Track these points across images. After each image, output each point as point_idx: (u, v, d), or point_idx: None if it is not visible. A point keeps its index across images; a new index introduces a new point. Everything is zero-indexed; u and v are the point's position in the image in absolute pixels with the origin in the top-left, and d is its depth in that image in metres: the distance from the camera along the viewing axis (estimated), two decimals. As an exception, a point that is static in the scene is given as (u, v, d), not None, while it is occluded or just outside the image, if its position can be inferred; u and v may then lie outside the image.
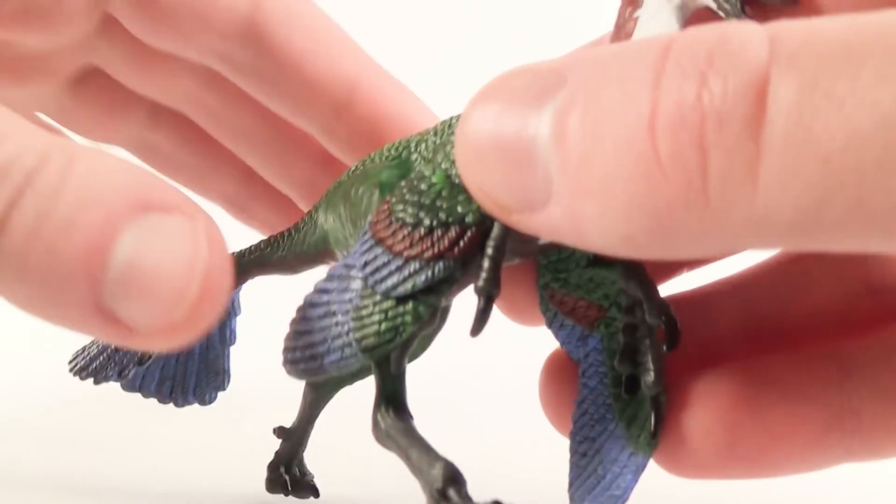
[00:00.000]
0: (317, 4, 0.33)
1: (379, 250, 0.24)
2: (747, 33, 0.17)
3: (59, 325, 0.22)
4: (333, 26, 0.33)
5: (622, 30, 0.24)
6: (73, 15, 0.32)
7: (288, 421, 0.33)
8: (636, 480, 0.25)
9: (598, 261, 0.26)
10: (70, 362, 0.32)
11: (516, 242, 0.24)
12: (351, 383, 0.31)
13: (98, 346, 0.32)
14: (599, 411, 0.26)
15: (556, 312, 0.27)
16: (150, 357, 0.32)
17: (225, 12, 0.32)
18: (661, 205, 0.17)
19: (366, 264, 0.24)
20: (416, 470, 0.23)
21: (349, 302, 0.24)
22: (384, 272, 0.23)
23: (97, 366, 0.32)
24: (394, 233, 0.24)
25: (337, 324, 0.24)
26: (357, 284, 0.24)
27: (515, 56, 0.26)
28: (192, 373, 0.35)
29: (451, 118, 0.27)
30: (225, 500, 0.34)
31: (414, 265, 0.23)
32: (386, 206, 0.24)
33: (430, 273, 0.23)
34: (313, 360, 0.24)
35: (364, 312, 0.23)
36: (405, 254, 0.23)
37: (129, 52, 0.34)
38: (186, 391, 0.35)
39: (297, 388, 0.32)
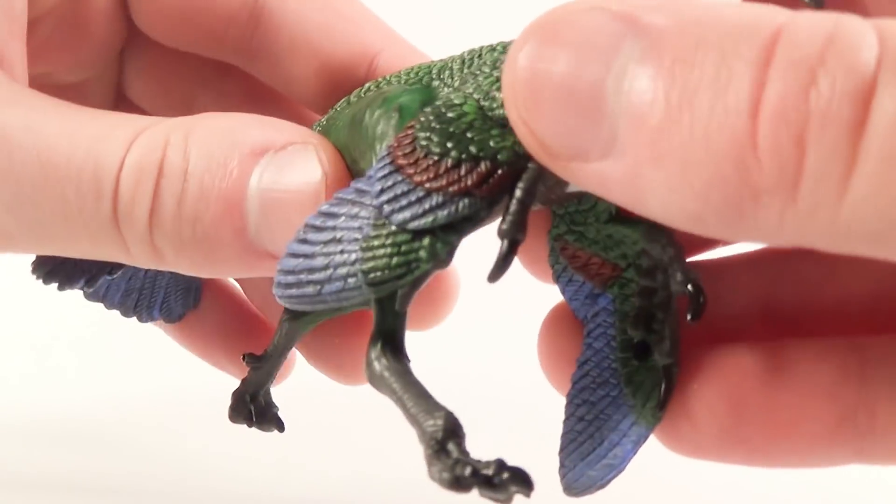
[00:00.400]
0: None
1: (398, 178, 0.22)
2: (859, 32, 0.16)
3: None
4: None
5: None
6: (100, 26, 0.31)
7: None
8: (635, 452, 0.24)
9: (621, 217, 0.24)
10: (34, 268, 0.30)
11: (545, 188, 0.22)
12: (333, 316, 0.30)
13: None
14: (603, 375, 0.25)
15: (565, 266, 0.26)
16: (120, 267, 0.30)
17: None
18: (746, 192, 0.16)
19: (382, 192, 0.22)
20: (411, 418, 0.21)
21: (359, 230, 0.22)
22: (402, 202, 0.22)
23: (65, 272, 0.29)
24: (416, 161, 0.22)
25: (343, 252, 0.22)
26: (369, 212, 0.22)
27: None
28: (160, 287, 0.33)
29: (481, 48, 0.25)
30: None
31: (436, 198, 0.21)
32: (410, 132, 0.22)
33: (453, 209, 0.21)
34: (311, 287, 0.22)
35: (375, 243, 0.22)
36: (427, 185, 0.21)
37: (151, 75, 0.33)
38: (152, 306, 0.33)
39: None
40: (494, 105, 0.22)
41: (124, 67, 0.33)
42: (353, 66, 0.30)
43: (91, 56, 0.32)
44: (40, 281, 0.30)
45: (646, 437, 0.24)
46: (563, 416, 0.25)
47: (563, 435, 0.25)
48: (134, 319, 0.33)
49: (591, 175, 0.18)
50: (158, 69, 0.33)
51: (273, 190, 0.24)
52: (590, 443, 0.24)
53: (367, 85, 0.27)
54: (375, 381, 0.23)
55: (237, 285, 0.34)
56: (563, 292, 0.26)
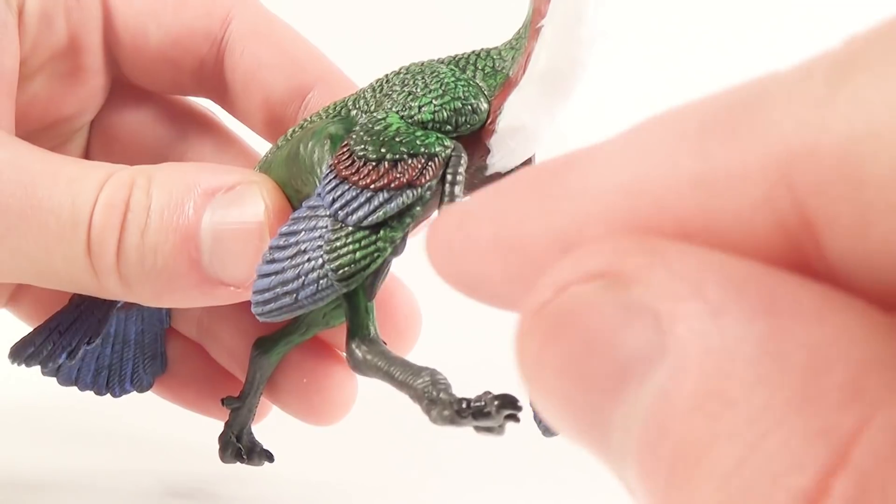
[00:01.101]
0: (280, 18, 0.35)
1: (345, 187, 0.25)
2: None
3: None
4: (295, 34, 0.34)
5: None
6: (93, 64, 0.34)
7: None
8: None
9: None
10: (13, 357, 0.32)
11: (467, 173, 0.26)
12: (299, 342, 0.33)
13: (43, 334, 0.32)
14: None
15: None
16: (98, 335, 0.32)
17: (200, 35, 0.34)
18: None
19: (334, 201, 0.25)
20: (400, 384, 0.24)
21: (320, 238, 0.25)
22: (353, 205, 0.25)
23: (46, 351, 0.31)
24: (358, 170, 0.25)
25: (309, 260, 0.25)
26: (325, 222, 0.25)
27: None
28: (128, 359, 0.35)
29: (386, 75, 0.29)
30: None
31: (383, 195, 0.25)
32: (346, 149, 0.26)
33: (400, 200, 0.25)
34: (287, 297, 0.25)
35: (338, 244, 0.25)
36: (372, 186, 0.25)
37: (131, 112, 0.36)
38: (124, 379, 0.35)
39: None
40: (412, 112, 0.26)
41: (109, 108, 0.36)
42: (287, 102, 0.33)
43: (80, 107, 0.34)
44: (22, 366, 0.32)
45: None
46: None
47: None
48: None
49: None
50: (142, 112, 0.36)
51: (223, 223, 0.27)
52: None
53: (289, 130, 0.30)
54: (360, 366, 0.26)
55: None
56: None
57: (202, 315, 0.35)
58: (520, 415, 0.23)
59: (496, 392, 0.23)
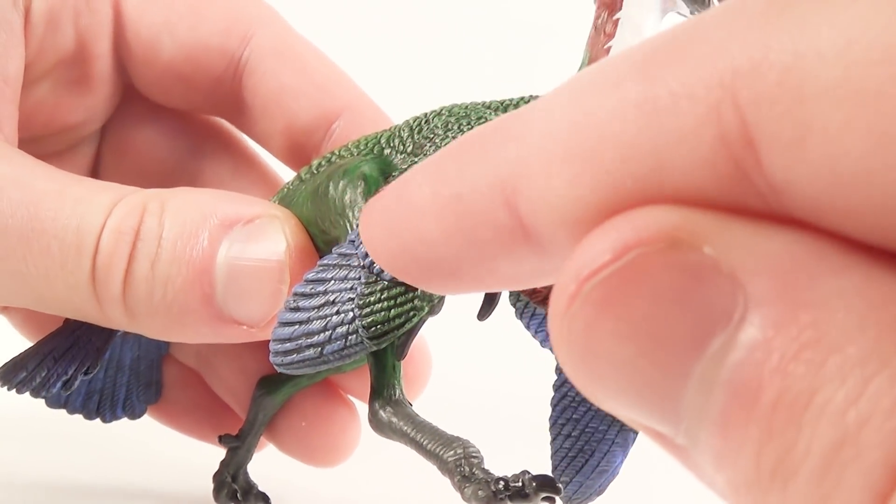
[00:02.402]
0: (306, 39, 0.33)
1: None
2: None
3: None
4: (322, 58, 0.33)
5: (602, 31, 0.25)
6: (102, 72, 0.32)
7: None
8: (625, 456, 0.26)
9: None
10: (2, 380, 0.30)
11: None
12: (307, 385, 0.31)
13: (36, 358, 0.30)
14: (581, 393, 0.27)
15: (526, 303, 0.28)
16: (95, 365, 0.30)
17: (216, 53, 0.32)
18: None
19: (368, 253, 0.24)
20: (429, 454, 0.23)
21: (351, 290, 0.24)
22: None
23: (40, 378, 0.29)
24: None
25: (339, 312, 0.24)
26: (358, 273, 0.24)
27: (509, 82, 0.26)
28: (121, 385, 0.33)
29: (425, 114, 0.27)
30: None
31: None
32: None
33: None
34: (312, 350, 0.24)
35: (371, 299, 0.23)
36: None
37: (146, 124, 0.35)
38: (115, 405, 0.33)
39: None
40: None
41: (117, 118, 0.34)
42: (312, 130, 0.31)
43: (86, 115, 0.33)
44: (13, 391, 0.29)
45: (633, 441, 0.26)
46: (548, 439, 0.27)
47: (553, 454, 0.27)
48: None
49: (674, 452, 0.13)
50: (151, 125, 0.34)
51: (240, 259, 0.26)
52: (581, 456, 0.26)
53: (314, 162, 0.29)
54: (384, 429, 0.24)
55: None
56: (527, 327, 0.28)
57: (201, 345, 0.33)
58: (558, 499, 0.22)
59: (523, 468, 0.22)
